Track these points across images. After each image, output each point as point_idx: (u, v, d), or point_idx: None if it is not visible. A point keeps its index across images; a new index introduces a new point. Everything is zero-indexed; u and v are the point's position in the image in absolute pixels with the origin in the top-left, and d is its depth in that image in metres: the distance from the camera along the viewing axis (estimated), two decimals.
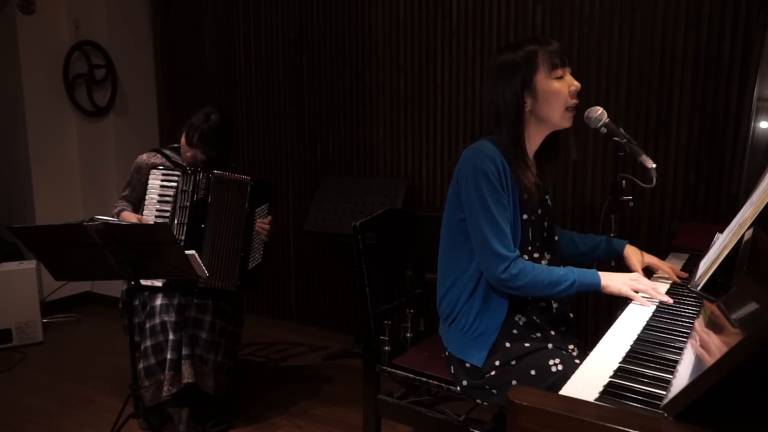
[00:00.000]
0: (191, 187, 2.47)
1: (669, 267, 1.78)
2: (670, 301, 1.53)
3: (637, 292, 1.56)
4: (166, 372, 2.35)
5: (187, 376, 2.37)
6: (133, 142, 4.02)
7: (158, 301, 2.40)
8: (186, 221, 2.46)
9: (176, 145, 2.64)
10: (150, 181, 2.49)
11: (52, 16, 3.97)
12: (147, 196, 2.49)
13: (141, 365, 2.37)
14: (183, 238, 2.45)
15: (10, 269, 3.54)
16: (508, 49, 1.64)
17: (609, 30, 2.67)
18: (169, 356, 2.36)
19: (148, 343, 2.37)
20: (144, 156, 2.62)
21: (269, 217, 2.61)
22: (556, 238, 1.81)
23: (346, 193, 3.24)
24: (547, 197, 1.79)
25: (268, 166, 3.79)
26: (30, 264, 3.60)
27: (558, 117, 1.63)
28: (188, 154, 2.52)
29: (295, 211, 3.72)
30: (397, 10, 3.22)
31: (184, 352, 2.39)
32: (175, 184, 2.48)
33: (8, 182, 4.10)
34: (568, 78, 1.63)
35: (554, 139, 1.73)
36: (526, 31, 2.86)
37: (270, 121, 3.75)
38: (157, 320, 2.38)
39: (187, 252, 2.09)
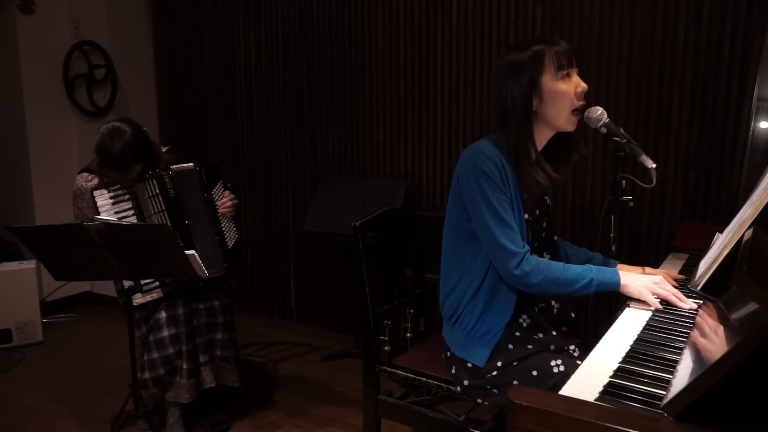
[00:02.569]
0: (158, 191, 2.38)
1: (665, 273, 1.71)
2: (694, 306, 1.45)
3: (658, 297, 1.50)
4: (185, 380, 2.35)
5: (209, 381, 2.39)
6: None
7: (162, 314, 2.38)
8: (170, 224, 2.38)
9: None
10: (99, 205, 2.34)
11: (52, 16, 3.97)
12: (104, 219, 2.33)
13: (148, 375, 2.36)
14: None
15: (10, 269, 3.54)
16: (516, 48, 1.63)
17: (609, 30, 2.66)
18: (185, 366, 2.35)
19: (155, 355, 2.35)
20: (80, 182, 2.46)
21: (226, 192, 2.52)
22: (555, 238, 1.80)
23: (346, 193, 3.24)
24: (546, 197, 1.79)
25: (268, 166, 3.79)
26: (30, 264, 3.60)
27: (563, 120, 1.63)
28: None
29: (295, 211, 3.72)
30: (397, 11, 3.21)
31: (202, 359, 2.39)
32: (126, 195, 2.39)
33: (8, 182, 4.10)
34: (575, 79, 1.62)
35: (562, 141, 1.73)
36: (526, 31, 2.86)
37: (270, 121, 3.75)
38: (165, 333, 2.35)
39: (186, 252, 2.08)
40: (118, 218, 2.36)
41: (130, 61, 4.06)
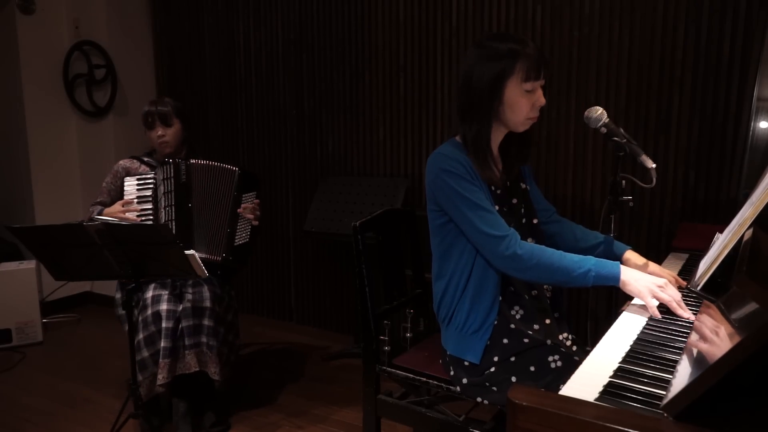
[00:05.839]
0: (172, 174, 2.56)
1: (670, 275, 1.67)
2: (692, 318, 1.39)
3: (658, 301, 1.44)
4: (161, 360, 2.32)
5: (193, 365, 2.38)
6: (133, 142, 4.01)
7: (149, 293, 2.41)
8: (173, 203, 2.55)
9: (151, 150, 2.75)
10: (126, 189, 2.57)
11: (52, 16, 3.97)
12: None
13: (138, 358, 2.34)
14: (174, 218, 2.54)
15: (10, 269, 3.54)
16: (495, 38, 1.63)
17: (609, 30, 2.66)
18: (162, 344, 2.33)
19: (141, 335, 2.36)
20: (121, 162, 2.69)
21: (256, 201, 2.68)
22: (535, 221, 1.79)
23: (346, 193, 3.24)
24: (523, 183, 1.79)
25: (268, 166, 3.79)
26: (30, 264, 3.60)
27: (517, 124, 1.65)
28: (154, 136, 2.62)
29: (295, 211, 3.72)
30: (397, 10, 3.21)
31: (188, 342, 2.38)
32: (151, 183, 2.57)
33: (8, 182, 4.10)
34: (537, 93, 1.62)
35: (519, 140, 1.74)
36: (526, 30, 2.85)
37: (270, 121, 3.75)
38: (149, 311, 2.37)
39: (186, 252, 2.09)
40: (137, 202, 2.56)
41: (130, 61, 4.06)
